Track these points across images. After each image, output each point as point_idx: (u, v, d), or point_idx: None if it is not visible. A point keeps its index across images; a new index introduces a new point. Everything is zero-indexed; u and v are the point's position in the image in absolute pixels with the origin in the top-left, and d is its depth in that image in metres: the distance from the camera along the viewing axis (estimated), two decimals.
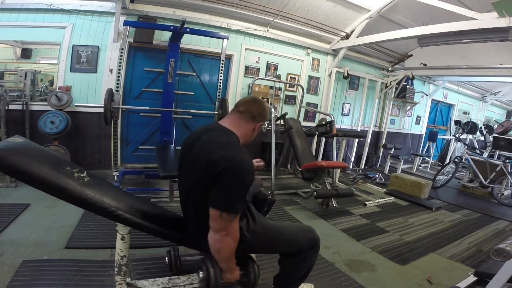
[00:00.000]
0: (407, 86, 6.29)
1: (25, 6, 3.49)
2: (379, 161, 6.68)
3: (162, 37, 4.04)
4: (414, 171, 6.29)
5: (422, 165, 7.11)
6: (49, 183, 1.20)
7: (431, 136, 7.21)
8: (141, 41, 3.91)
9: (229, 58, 4.62)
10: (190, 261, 1.92)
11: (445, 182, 5.22)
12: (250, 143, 1.44)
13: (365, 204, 3.82)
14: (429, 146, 7.31)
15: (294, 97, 5.32)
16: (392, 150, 5.82)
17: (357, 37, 4.95)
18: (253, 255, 1.63)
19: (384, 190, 4.58)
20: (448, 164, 5.53)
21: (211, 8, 4.19)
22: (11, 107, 3.48)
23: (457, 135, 6.56)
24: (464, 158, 5.12)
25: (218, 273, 1.31)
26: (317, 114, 5.53)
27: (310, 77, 5.42)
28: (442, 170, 5.39)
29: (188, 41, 4.18)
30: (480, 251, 2.77)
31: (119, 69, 3.59)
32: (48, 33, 3.67)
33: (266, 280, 1.84)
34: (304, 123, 5.01)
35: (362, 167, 6.20)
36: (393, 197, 4.27)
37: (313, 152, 4.72)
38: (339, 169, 4.52)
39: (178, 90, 4.23)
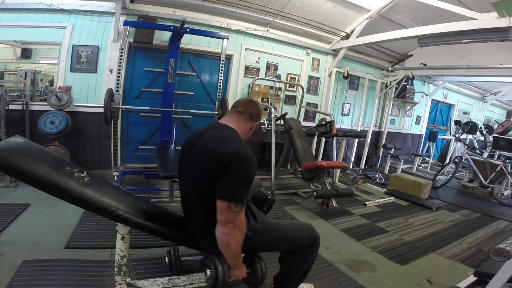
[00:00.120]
0: (407, 86, 6.29)
1: (25, 6, 3.49)
2: (379, 161, 6.68)
3: (162, 37, 4.04)
4: (414, 171, 6.29)
5: (422, 165, 7.11)
6: (49, 183, 1.20)
7: (431, 136, 7.21)
8: (141, 41, 3.91)
9: (229, 58, 4.62)
10: (190, 261, 1.92)
11: (445, 182, 5.22)
12: (247, 141, 1.47)
13: (365, 204, 3.82)
14: (429, 146, 7.31)
15: (294, 97, 5.33)
16: (392, 150, 5.82)
17: (357, 37, 4.94)
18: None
19: (384, 190, 4.58)
20: (448, 164, 5.53)
21: (211, 8, 4.19)
22: (11, 107, 3.48)
23: (457, 135, 6.56)
24: (464, 158, 5.12)
25: (226, 270, 1.32)
26: (317, 114, 5.53)
27: (310, 77, 5.42)
28: (442, 170, 5.39)
29: (188, 41, 4.18)
30: (480, 251, 2.77)
31: (119, 69, 3.59)
32: (48, 33, 3.67)
33: (266, 279, 1.84)
34: (304, 123, 5.01)
35: (362, 167, 6.20)
36: (393, 197, 4.27)
37: (313, 152, 4.72)
38: (339, 169, 4.52)
39: (178, 90, 4.23)
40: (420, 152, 7.28)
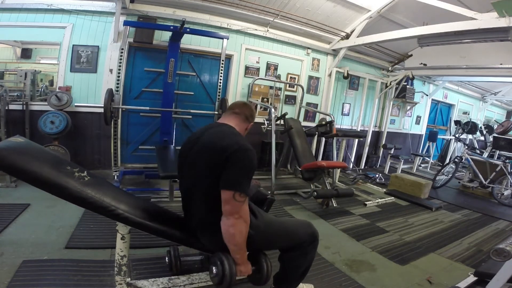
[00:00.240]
0: (407, 86, 6.29)
1: (25, 6, 3.49)
2: (379, 161, 6.68)
3: (162, 37, 4.04)
4: (414, 171, 6.29)
5: (422, 165, 7.11)
6: (50, 182, 1.20)
7: (431, 136, 7.21)
8: (141, 41, 3.91)
9: (229, 58, 4.62)
10: (190, 261, 1.92)
11: (445, 182, 5.22)
12: None
13: (365, 204, 3.82)
14: (429, 146, 7.31)
15: (294, 97, 5.33)
16: (392, 150, 5.82)
17: (357, 37, 4.94)
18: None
19: (384, 190, 4.58)
20: (448, 164, 5.53)
21: (211, 8, 4.19)
22: (11, 107, 3.47)
23: (457, 135, 6.56)
24: (464, 158, 5.12)
25: (233, 265, 1.32)
26: (317, 114, 5.53)
27: (310, 77, 5.42)
28: (442, 170, 5.39)
29: (188, 41, 4.18)
30: (480, 251, 2.77)
31: (119, 69, 3.59)
32: (48, 33, 3.67)
33: None
34: (304, 123, 5.01)
35: (362, 167, 6.20)
36: (393, 197, 4.27)
37: (313, 152, 4.72)
38: (339, 169, 4.52)
39: (178, 90, 4.23)
40: (420, 152, 7.28)
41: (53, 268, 1.81)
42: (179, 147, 1.67)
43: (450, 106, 8.54)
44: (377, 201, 3.99)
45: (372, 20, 4.83)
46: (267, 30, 4.77)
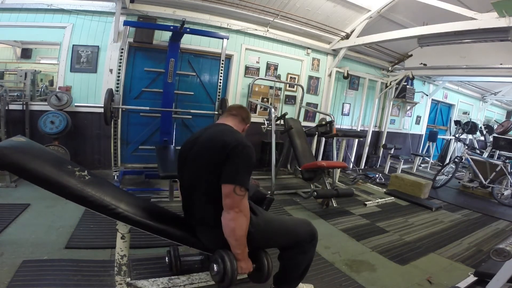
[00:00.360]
0: (407, 86, 6.29)
1: (25, 6, 3.49)
2: (379, 161, 6.68)
3: (162, 37, 4.04)
4: (414, 171, 6.29)
5: (422, 165, 7.11)
6: (51, 181, 1.21)
7: (431, 136, 7.21)
8: (141, 41, 3.91)
9: (229, 58, 4.62)
10: (190, 261, 1.92)
11: (445, 182, 5.22)
12: None
13: (365, 204, 3.82)
14: (429, 146, 7.31)
15: (294, 97, 5.33)
16: (392, 150, 5.81)
17: (357, 37, 4.94)
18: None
19: (384, 190, 4.58)
20: (448, 164, 5.53)
21: (211, 8, 4.19)
22: (11, 107, 3.47)
23: (457, 135, 6.56)
24: (464, 158, 5.12)
25: (234, 262, 1.32)
26: (317, 114, 5.53)
27: (310, 77, 5.42)
28: (442, 170, 5.39)
29: (188, 41, 4.18)
30: (480, 251, 2.77)
31: (119, 69, 3.59)
32: (48, 33, 3.67)
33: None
34: (304, 123, 5.01)
35: (362, 167, 6.20)
36: (393, 197, 4.27)
37: (313, 152, 4.72)
38: (339, 169, 4.52)
39: (178, 90, 4.23)
40: (420, 152, 7.28)
41: (53, 268, 1.80)
42: (179, 147, 1.68)
43: (450, 106, 8.54)
44: (377, 201, 3.99)
45: (372, 20, 4.83)
46: (267, 30, 4.77)
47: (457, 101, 8.37)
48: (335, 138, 4.39)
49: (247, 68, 4.79)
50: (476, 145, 7.13)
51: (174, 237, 1.47)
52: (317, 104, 5.59)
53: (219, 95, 4.08)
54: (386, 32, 4.50)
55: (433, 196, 4.60)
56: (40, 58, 4.67)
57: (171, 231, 1.46)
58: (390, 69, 6.46)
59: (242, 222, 1.29)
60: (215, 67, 4.40)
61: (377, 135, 6.67)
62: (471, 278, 2.16)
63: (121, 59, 3.58)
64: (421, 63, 5.93)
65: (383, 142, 6.42)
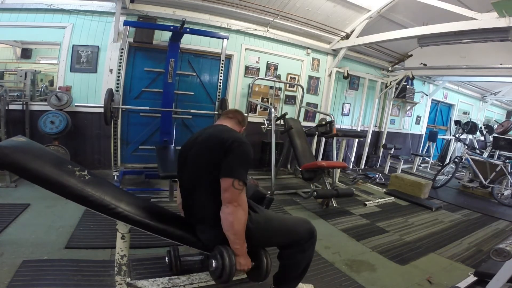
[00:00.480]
0: (407, 86, 6.29)
1: (25, 6, 3.49)
2: (379, 161, 6.68)
3: (162, 37, 4.04)
4: (414, 171, 6.29)
5: (422, 165, 7.11)
6: (51, 180, 1.22)
7: (431, 136, 7.21)
8: (141, 41, 3.92)
9: (229, 58, 4.62)
10: (190, 261, 1.92)
11: (445, 182, 5.22)
12: None
13: (365, 204, 3.82)
14: (429, 146, 7.31)
15: (294, 97, 5.33)
16: (392, 150, 5.82)
17: (357, 37, 4.95)
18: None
19: (384, 190, 4.58)
20: (448, 164, 5.53)
21: (211, 8, 4.19)
22: (11, 107, 3.48)
23: (457, 135, 6.56)
24: (464, 158, 5.12)
25: (232, 257, 1.33)
26: (317, 114, 5.53)
27: (310, 77, 5.42)
28: (442, 170, 5.39)
29: (188, 41, 4.18)
30: (480, 251, 2.77)
31: (119, 69, 3.59)
32: (48, 33, 3.67)
33: (266, 280, 1.84)
34: (304, 123, 5.01)
35: (362, 167, 6.20)
36: (393, 197, 4.27)
37: (313, 152, 4.72)
38: (339, 169, 4.52)
39: (178, 90, 4.23)
40: (420, 152, 7.28)
41: (53, 268, 1.80)
42: (179, 147, 1.69)
43: (450, 106, 8.54)
44: (377, 201, 3.99)
45: (372, 20, 4.83)
46: (267, 30, 4.77)
47: (457, 101, 8.37)
48: (335, 138, 4.39)
49: (247, 68, 4.79)
50: (476, 145, 7.13)
51: (174, 237, 1.47)
52: (317, 104, 5.59)
53: (219, 95, 4.08)
54: (386, 32, 4.50)
55: (433, 196, 4.60)
56: (40, 58, 4.66)
57: (171, 230, 1.46)
58: (390, 69, 6.46)
59: (240, 216, 1.32)
60: (215, 67, 4.40)
61: (377, 135, 6.67)
62: (471, 278, 2.16)
63: (121, 59, 3.58)
64: (421, 63, 5.93)
65: (383, 142, 6.42)
